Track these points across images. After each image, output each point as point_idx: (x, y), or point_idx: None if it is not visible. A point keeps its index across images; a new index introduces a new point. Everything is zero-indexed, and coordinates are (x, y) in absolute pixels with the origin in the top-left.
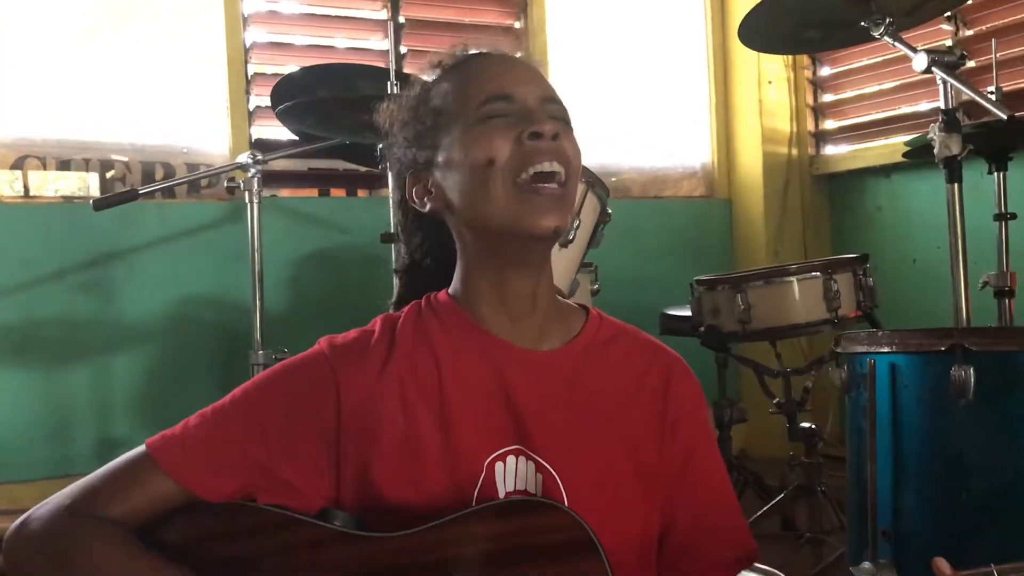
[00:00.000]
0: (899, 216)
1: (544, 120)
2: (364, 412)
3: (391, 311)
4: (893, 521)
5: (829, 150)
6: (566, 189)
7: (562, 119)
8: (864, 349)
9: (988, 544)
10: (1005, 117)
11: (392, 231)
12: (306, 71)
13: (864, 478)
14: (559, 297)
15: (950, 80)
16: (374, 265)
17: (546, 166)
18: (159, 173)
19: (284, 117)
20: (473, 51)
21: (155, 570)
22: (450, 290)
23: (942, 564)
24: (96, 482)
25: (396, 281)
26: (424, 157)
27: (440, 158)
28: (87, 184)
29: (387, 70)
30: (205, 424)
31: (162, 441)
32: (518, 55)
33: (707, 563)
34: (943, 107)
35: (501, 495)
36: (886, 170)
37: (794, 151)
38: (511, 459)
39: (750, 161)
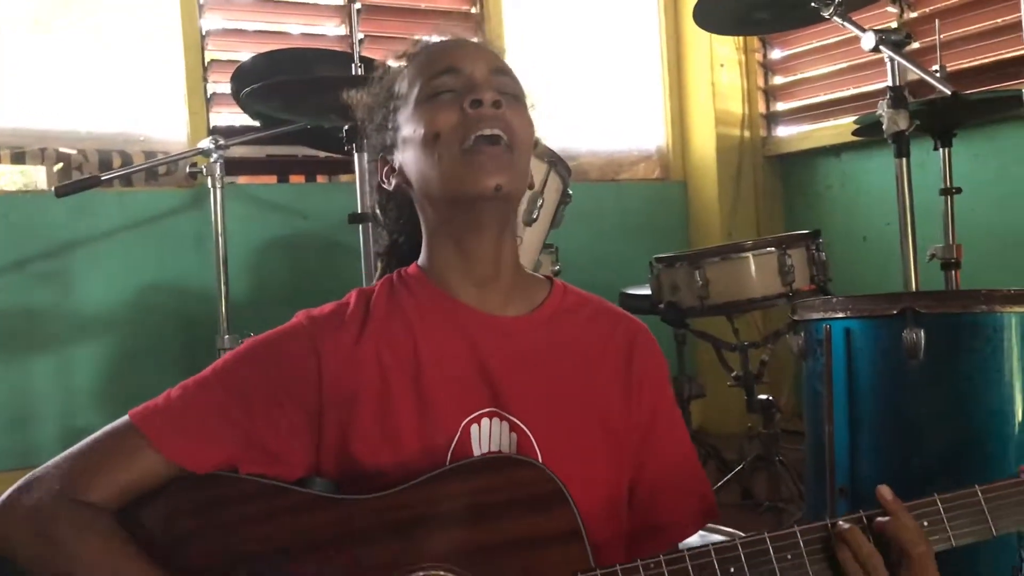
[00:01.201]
0: (849, 195)
1: (486, 89)
2: (343, 381)
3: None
4: (850, 479)
5: (781, 131)
6: (512, 154)
7: (510, 92)
8: (820, 315)
9: None
10: (949, 93)
11: (359, 212)
12: (264, 56)
13: (821, 440)
14: (524, 268)
15: (897, 58)
16: (335, 250)
17: (486, 131)
18: (116, 162)
19: (248, 101)
20: (435, 38)
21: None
22: (419, 262)
23: (885, 491)
24: (82, 458)
25: (379, 264)
26: (390, 139)
27: (399, 138)
28: (34, 181)
29: (343, 54)
30: (188, 395)
31: (146, 412)
32: (475, 40)
33: (673, 515)
34: (891, 84)
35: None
36: (836, 150)
37: (746, 133)
38: (485, 421)
39: (704, 143)
